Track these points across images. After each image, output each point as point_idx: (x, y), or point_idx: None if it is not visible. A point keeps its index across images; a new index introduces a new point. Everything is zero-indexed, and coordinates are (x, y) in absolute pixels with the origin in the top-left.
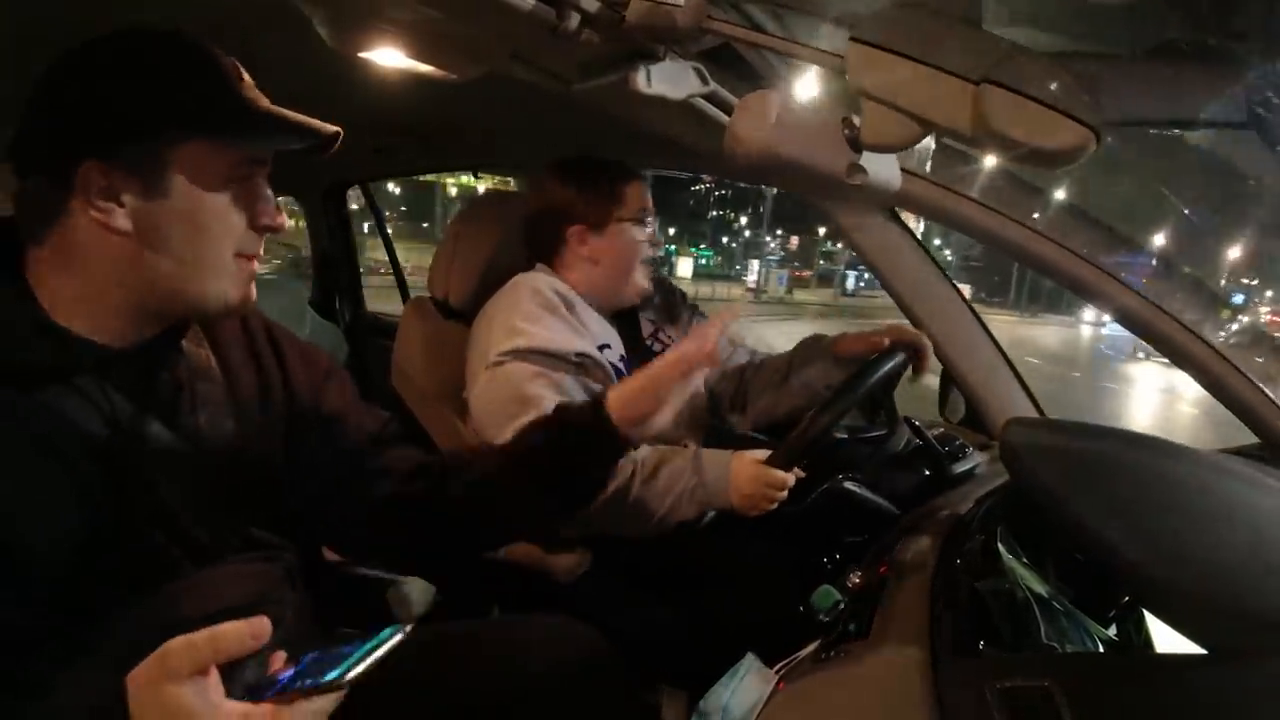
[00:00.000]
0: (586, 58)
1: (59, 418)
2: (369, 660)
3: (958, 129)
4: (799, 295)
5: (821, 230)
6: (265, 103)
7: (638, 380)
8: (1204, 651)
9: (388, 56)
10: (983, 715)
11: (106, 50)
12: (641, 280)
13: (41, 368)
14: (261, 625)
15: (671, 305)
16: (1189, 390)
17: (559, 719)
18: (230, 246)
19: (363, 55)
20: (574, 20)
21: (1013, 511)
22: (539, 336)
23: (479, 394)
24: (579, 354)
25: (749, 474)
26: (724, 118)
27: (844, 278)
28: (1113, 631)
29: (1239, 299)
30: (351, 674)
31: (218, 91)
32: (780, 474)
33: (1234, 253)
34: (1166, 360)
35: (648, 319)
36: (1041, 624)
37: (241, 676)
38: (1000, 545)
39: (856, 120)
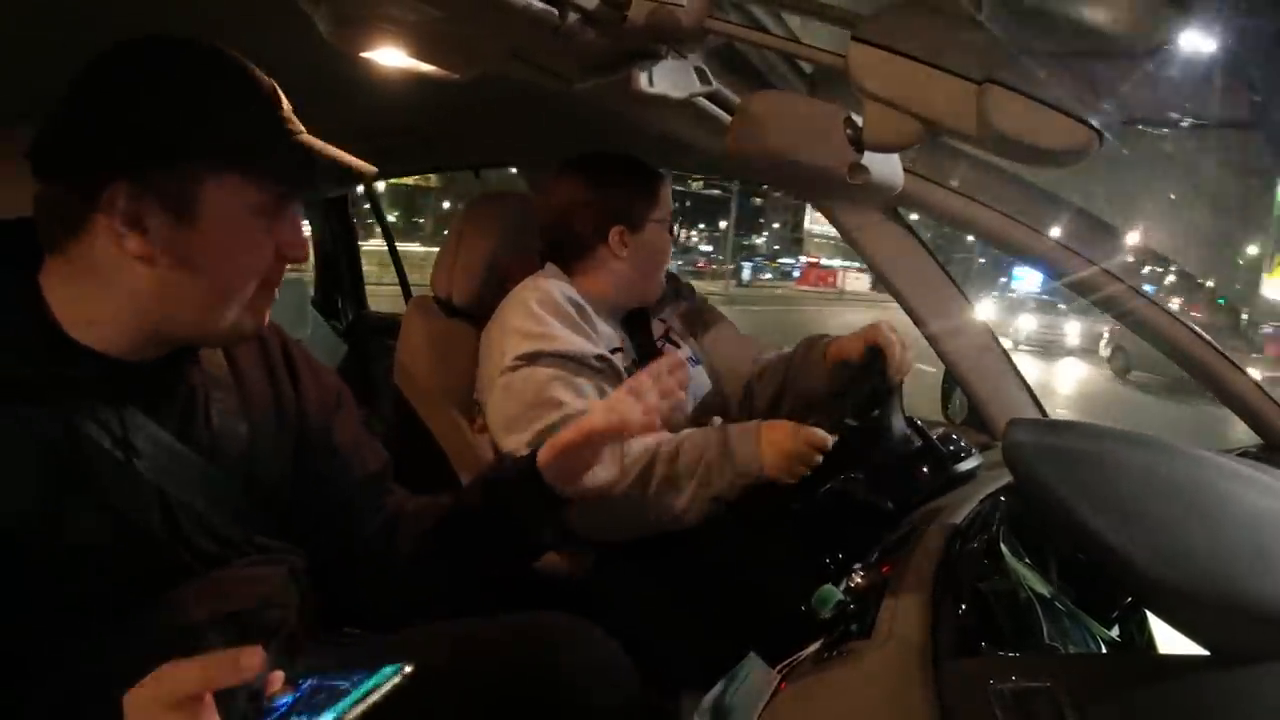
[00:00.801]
0: (588, 57)
1: (68, 427)
2: (366, 703)
3: (960, 129)
4: (696, 285)
5: (722, 224)
6: (304, 136)
7: (572, 434)
8: (1206, 652)
9: (389, 56)
10: (985, 715)
11: (145, 62)
12: (660, 281)
13: (49, 378)
14: (253, 657)
15: (685, 307)
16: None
17: (560, 717)
18: (256, 277)
19: (364, 55)
20: (575, 19)
21: (1015, 512)
22: (555, 340)
23: (496, 401)
24: (598, 357)
25: (782, 436)
26: (726, 117)
27: (740, 269)
28: (1115, 632)
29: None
30: (351, 715)
31: (258, 124)
32: (820, 431)
33: (1136, 240)
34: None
35: (659, 319)
36: (1044, 624)
37: (242, 694)
38: (1003, 546)
39: (858, 120)
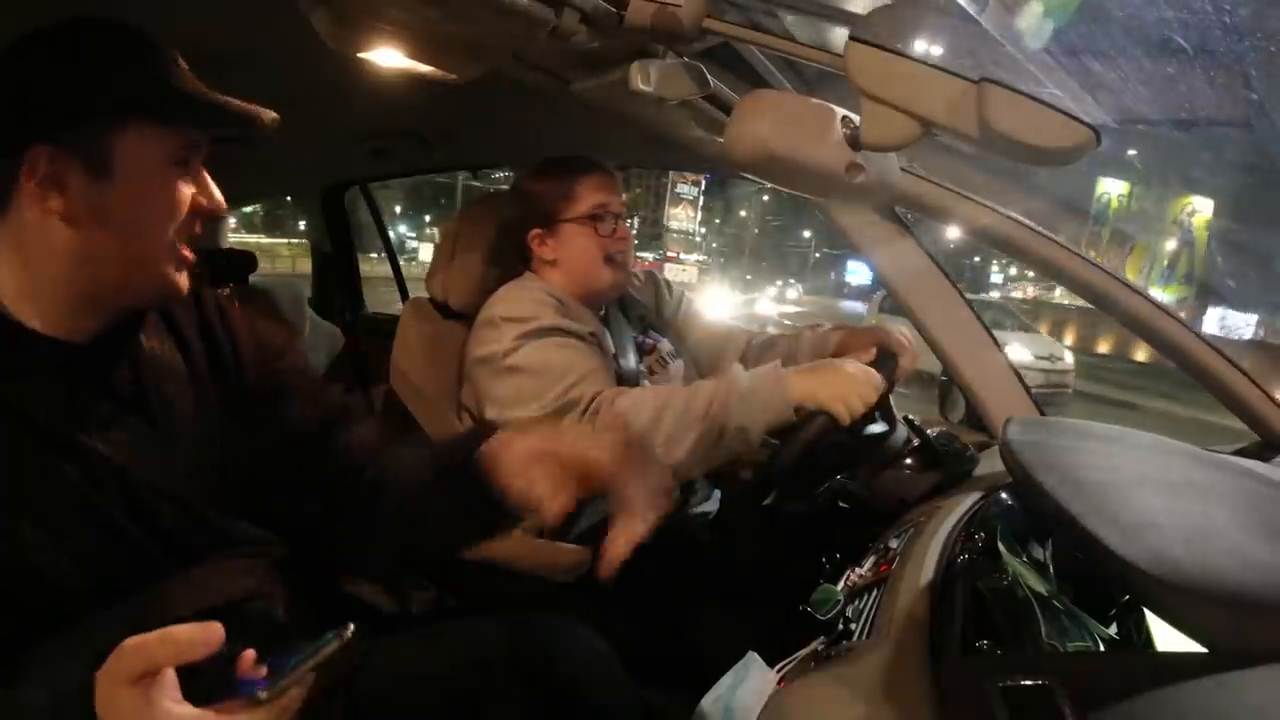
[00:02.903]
0: (585, 57)
1: (26, 415)
2: (300, 669)
3: (957, 128)
4: None
5: None
6: (203, 88)
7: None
8: (1204, 650)
9: (387, 57)
10: (983, 713)
11: (47, 39)
12: (609, 277)
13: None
14: (212, 630)
15: (664, 303)
16: None
17: (559, 719)
18: (172, 229)
19: (362, 55)
20: (573, 19)
21: (1012, 510)
22: (546, 319)
23: (502, 385)
24: (591, 333)
25: (836, 368)
26: (724, 117)
27: None
28: (1113, 630)
29: (998, 278)
30: (281, 683)
31: (160, 76)
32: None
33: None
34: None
35: (637, 316)
36: (1042, 623)
37: (207, 669)
38: (1000, 544)
39: (856, 119)
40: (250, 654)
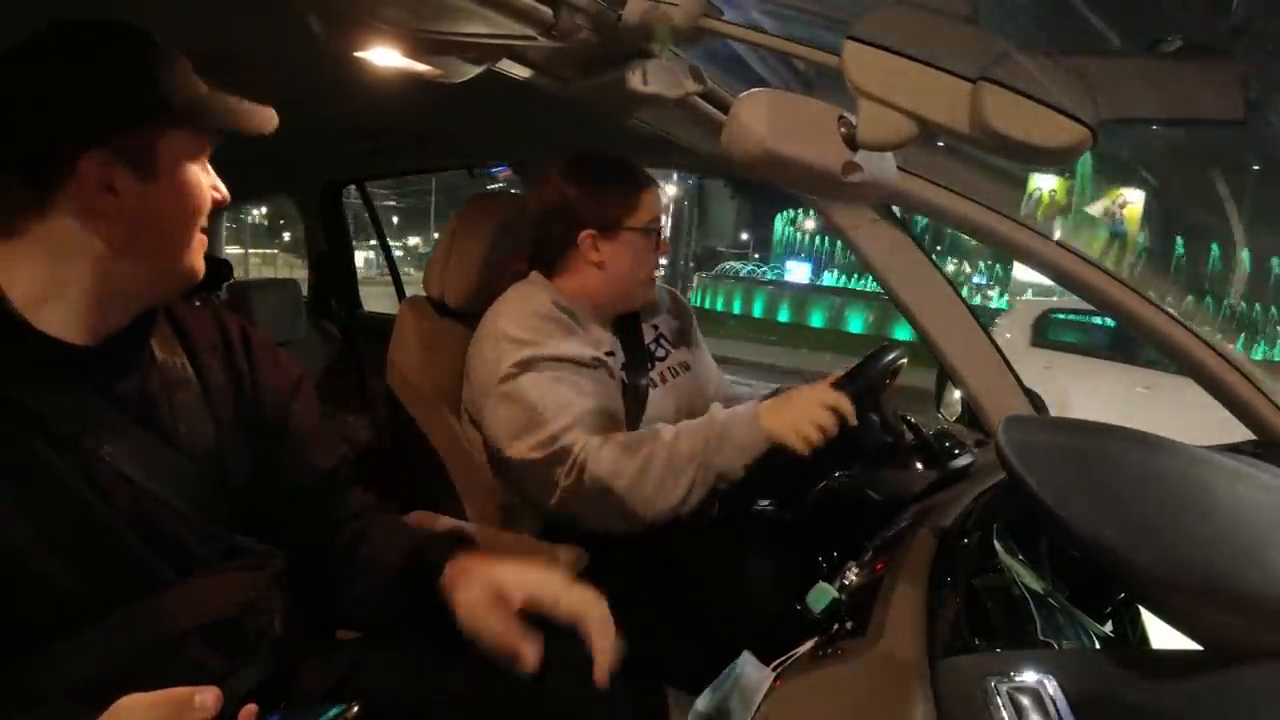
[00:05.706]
0: (583, 56)
1: (31, 417)
2: None
3: (955, 127)
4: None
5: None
6: (213, 90)
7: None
8: (1200, 648)
9: (383, 56)
10: (979, 712)
11: (76, 47)
12: (642, 291)
13: (7, 364)
14: (211, 694)
15: (677, 316)
16: None
17: (555, 718)
18: (202, 221)
19: (358, 54)
20: (570, 19)
21: (1009, 509)
22: (550, 344)
23: (495, 412)
24: (594, 358)
25: (785, 401)
26: (721, 116)
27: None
28: (1109, 628)
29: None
30: None
31: (186, 82)
32: (841, 396)
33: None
34: None
35: (650, 325)
36: (1038, 621)
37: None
38: (997, 543)
39: (853, 118)
40: (251, 708)
